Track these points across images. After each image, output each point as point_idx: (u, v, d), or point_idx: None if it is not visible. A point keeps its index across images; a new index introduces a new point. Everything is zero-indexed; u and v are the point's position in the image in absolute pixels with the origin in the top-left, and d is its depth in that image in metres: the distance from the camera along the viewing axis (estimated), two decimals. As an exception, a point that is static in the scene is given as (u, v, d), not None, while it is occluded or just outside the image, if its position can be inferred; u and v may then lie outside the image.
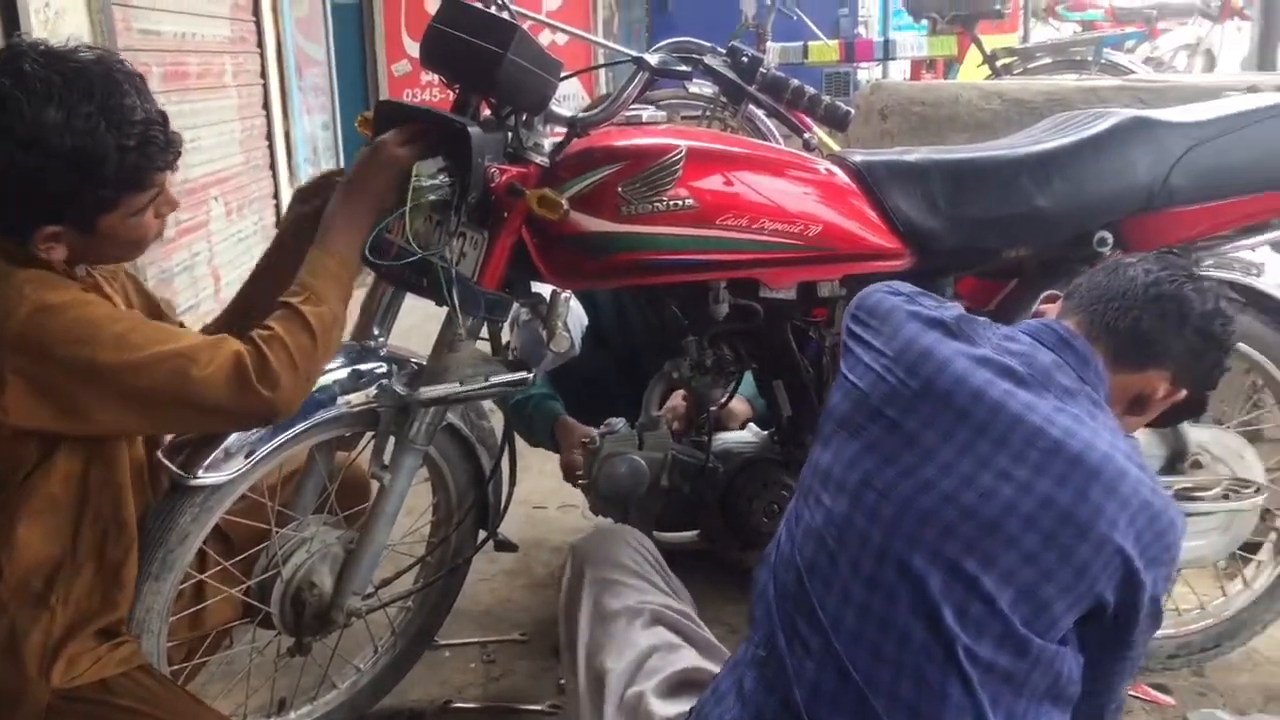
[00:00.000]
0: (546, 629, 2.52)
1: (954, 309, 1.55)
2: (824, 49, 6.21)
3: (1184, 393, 1.54)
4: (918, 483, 1.38)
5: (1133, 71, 6.23)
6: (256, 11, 4.18)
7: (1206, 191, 2.08)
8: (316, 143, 5.13)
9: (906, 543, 1.36)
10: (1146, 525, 1.35)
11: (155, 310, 1.82)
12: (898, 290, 1.60)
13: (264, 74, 4.23)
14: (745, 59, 1.99)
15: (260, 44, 4.21)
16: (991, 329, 1.52)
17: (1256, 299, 2.22)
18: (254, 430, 1.75)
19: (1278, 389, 2.27)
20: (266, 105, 4.25)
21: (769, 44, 6.32)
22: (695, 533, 2.39)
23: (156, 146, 1.57)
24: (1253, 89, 2.72)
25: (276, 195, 4.29)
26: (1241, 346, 2.21)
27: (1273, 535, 2.39)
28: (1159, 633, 2.27)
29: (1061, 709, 1.38)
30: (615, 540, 1.88)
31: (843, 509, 1.42)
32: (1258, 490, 2.23)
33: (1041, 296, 1.68)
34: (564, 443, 2.48)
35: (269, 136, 4.26)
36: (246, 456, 1.75)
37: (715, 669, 1.59)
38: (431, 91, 6.09)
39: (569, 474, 2.48)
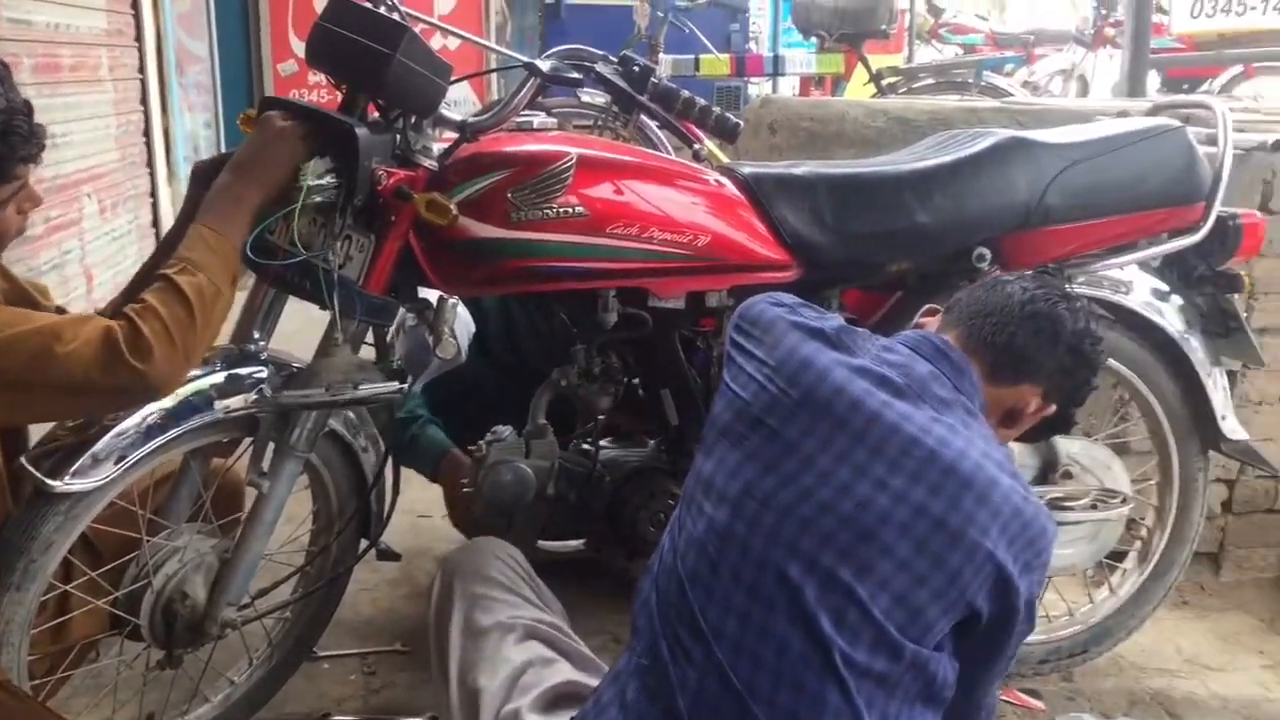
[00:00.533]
0: (429, 640, 2.48)
1: (834, 320, 1.58)
2: (715, 62, 6.28)
3: (1054, 408, 1.59)
4: (797, 491, 1.40)
5: (1011, 94, 6.43)
6: (136, 5, 4.05)
7: (1079, 211, 2.16)
8: (198, 141, 4.99)
9: (785, 551, 1.37)
10: (1019, 532, 1.38)
11: (25, 297, 1.74)
12: (780, 301, 1.62)
13: (142, 69, 4.10)
14: (637, 69, 2.00)
15: (139, 38, 4.08)
16: (871, 340, 1.56)
17: (1125, 316, 2.30)
18: (125, 435, 1.69)
19: (1143, 403, 2.36)
20: (145, 101, 4.11)
21: (661, 55, 6.37)
22: (582, 541, 2.39)
23: (19, 137, 1.50)
24: (1123, 114, 2.84)
25: (154, 193, 4.16)
26: (1110, 362, 2.29)
27: (1137, 544, 2.48)
28: (1031, 639, 2.34)
29: (934, 710, 1.41)
30: (484, 554, 1.86)
31: (724, 518, 1.43)
32: (1124, 500, 2.31)
33: (921, 310, 1.72)
34: (450, 479, 2.44)
35: (147, 133, 4.13)
36: (116, 462, 1.69)
37: (591, 682, 1.58)
38: (320, 93, 5.97)
39: (453, 510, 2.45)
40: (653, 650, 1.44)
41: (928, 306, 1.71)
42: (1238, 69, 8.12)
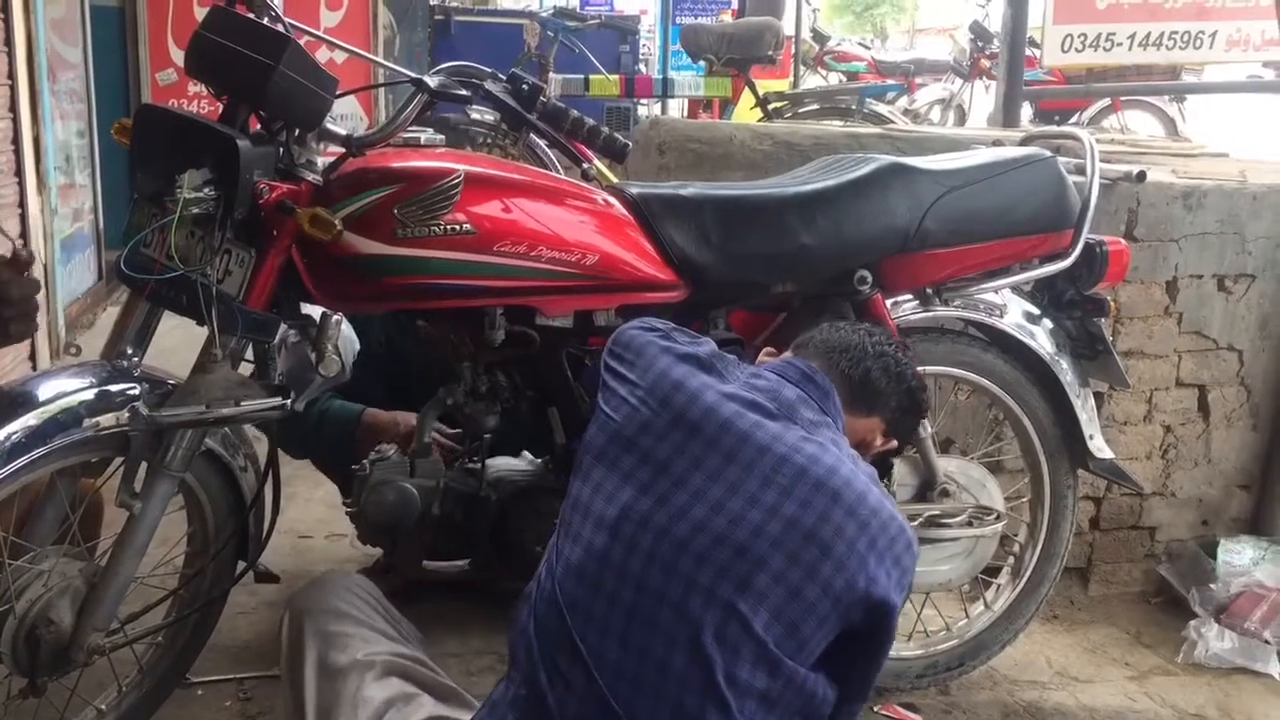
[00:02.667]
0: (282, 682, 2.42)
1: (707, 345, 1.63)
2: (605, 83, 6.31)
3: (894, 443, 1.71)
4: (671, 511, 1.42)
5: (892, 121, 6.60)
6: (5, 8, 3.90)
7: (957, 236, 2.22)
8: (70, 150, 4.82)
9: (663, 571, 1.38)
10: (887, 546, 1.43)
11: None
12: (653, 326, 1.66)
13: (12, 75, 3.95)
14: (526, 87, 1.99)
15: (9, 42, 3.92)
16: (740, 367, 1.62)
17: (999, 338, 2.38)
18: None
19: (1016, 423, 2.43)
20: (14, 108, 3.96)
21: (551, 75, 6.37)
22: (467, 562, 2.36)
23: None
24: (997, 143, 2.93)
25: (22, 203, 4.00)
26: (985, 383, 2.36)
27: (1010, 560, 2.55)
28: (909, 653, 2.40)
29: None
30: (335, 588, 1.80)
31: (602, 542, 1.44)
32: (998, 517, 2.38)
33: (762, 351, 1.79)
34: (374, 440, 2.32)
35: (16, 141, 3.97)
36: (-24, 483, 1.62)
37: (457, 715, 1.56)
38: (200, 103, 5.82)
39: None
40: (531, 680, 1.43)
41: (766, 349, 1.79)
42: (1106, 102, 8.49)
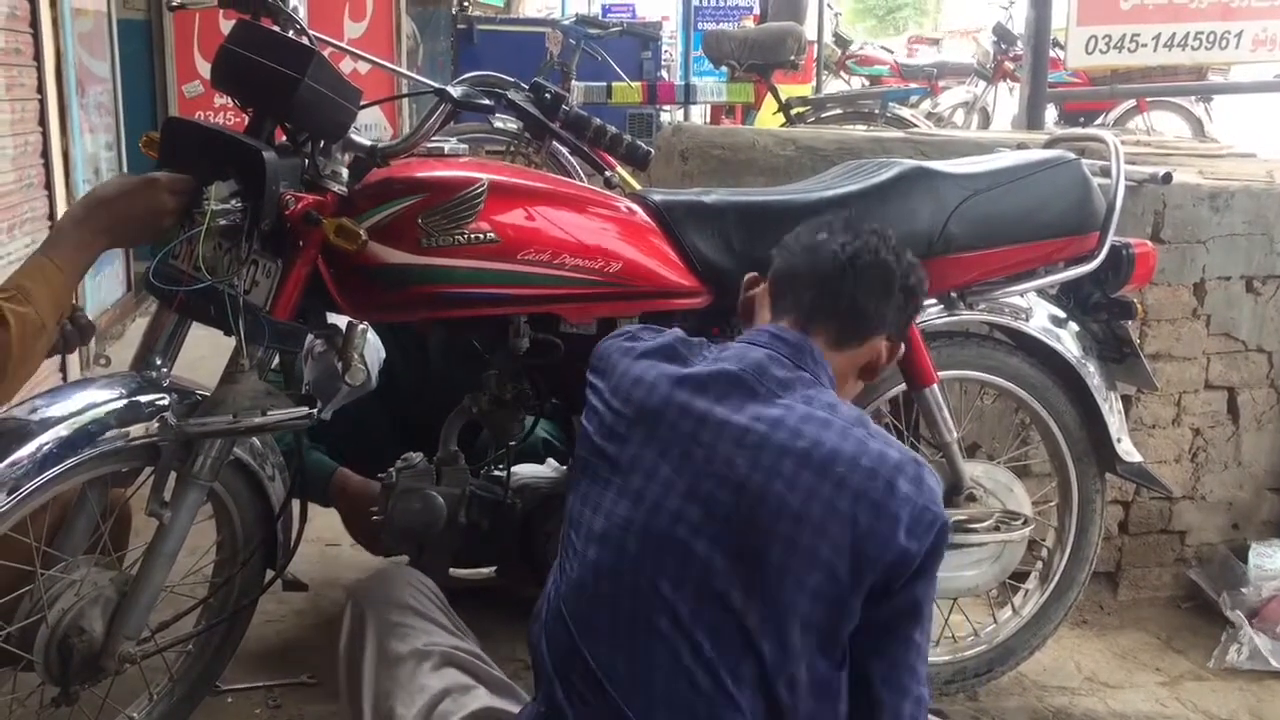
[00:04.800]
0: (337, 670, 2.43)
1: (671, 334, 1.61)
2: (627, 90, 6.33)
3: (901, 346, 1.65)
4: (647, 507, 1.41)
5: (915, 125, 6.58)
6: (35, 23, 3.95)
7: (980, 239, 2.21)
8: (99, 163, 4.87)
9: (651, 571, 1.38)
10: (878, 494, 1.36)
11: None
12: (621, 333, 1.66)
13: (41, 89, 3.99)
14: (548, 95, 2.00)
15: (38, 57, 3.97)
16: (708, 347, 1.58)
17: (1025, 342, 2.37)
18: (18, 465, 1.63)
19: (1043, 426, 2.42)
20: (43, 122, 4.00)
21: (574, 83, 6.39)
22: (493, 569, 2.37)
23: None
24: (1021, 146, 2.92)
25: (52, 216, 4.04)
26: (1012, 387, 2.35)
27: (1039, 565, 2.54)
28: (937, 659, 2.39)
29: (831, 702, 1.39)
30: (396, 581, 1.83)
31: (594, 554, 1.44)
32: (1026, 522, 2.36)
33: (745, 280, 1.74)
34: (342, 498, 2.40)
35: (45, 155, 4.02)
36: (9, 493, 1.63)
37: (510, 708, 1.57)
38: (226, 115, 5.87)
39: (352, 526, 2.41)
40: (550, 698, 1.44)
41: (750, 275, 1.73)
42: (1131, 103, 8.43)
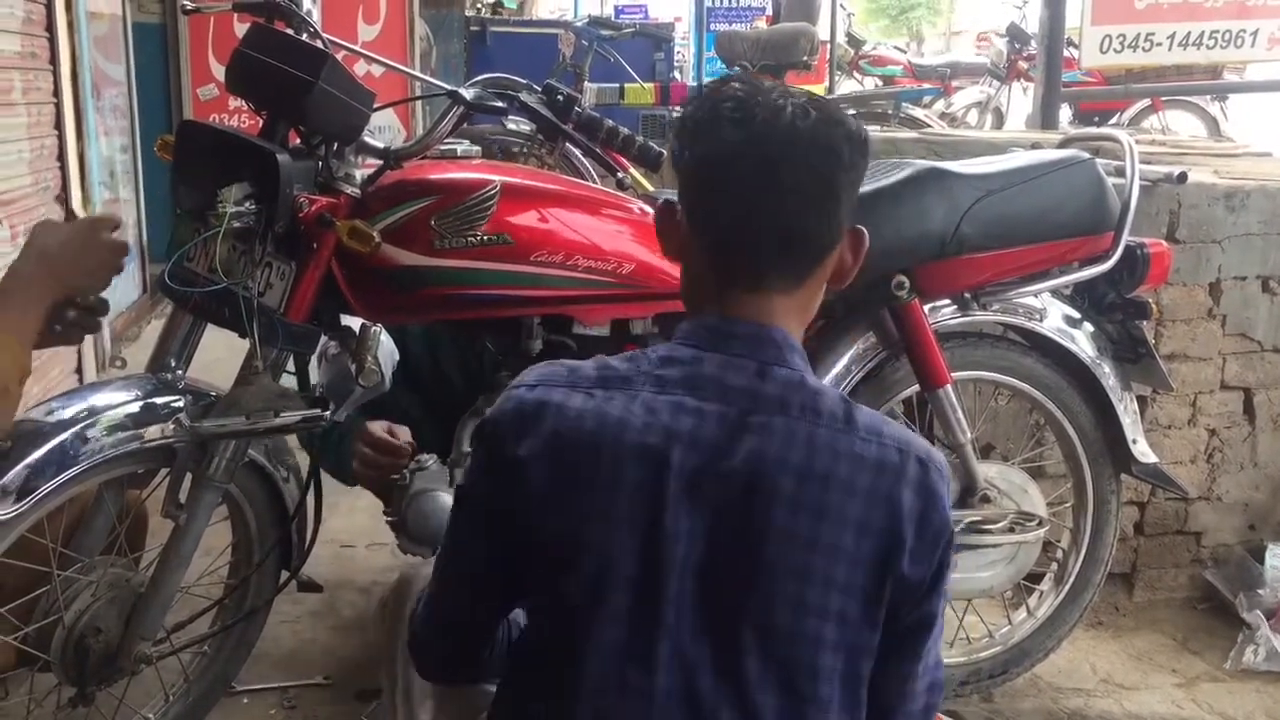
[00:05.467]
0: (351, 672, 2.45)
1: (595, 361, 1.33)
2: (640, 91, 6.34)
3: (864, 232, 1.34)
4: None
5: (929, 125, 6.57)
6: (51, 27, 3.97)
7: (995, 240, 2.20)
8: (114, 166, 4.89)
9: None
10: (866, 482, 1.22)
11: None
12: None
13: (57, 92, 4.01)
14: (561, 97, 2.01)
15: (54, 61, 3.99)
16: (644, 359, 1.29)
17: (1039, 342, 2.36)
18: (36, 467, 1.64)
19: (1058, 427, 2.41)
20: (59, 125, 4.02)
21: (587, 84, 6.39)
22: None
23: None
24: (1035, 145, 2.91)
25: (69, 218, 4.08)
26: (1025, 387, 2.34)
27: (1054, 566, 2.53)
28: (951, 660, 2.38)
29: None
30: (415, 587, 1.79)
31: None
32: (1040, 523, 2.36)
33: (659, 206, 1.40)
34: (361, 444, 2.29)
35: (61, 158, 4.04)
36: (25, 496, 1.64)
37: None
38: (240, 117, 5.89)
39: (369, 472, 2.31)
40: None
41: (663, 204, 1.37)
42: (1145, 103, 8.41)
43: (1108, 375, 2.37)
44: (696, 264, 1.34)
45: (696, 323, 1.31)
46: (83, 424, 1.71)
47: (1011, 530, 2.33)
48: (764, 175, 1.25)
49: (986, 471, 2.34)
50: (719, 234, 1.29)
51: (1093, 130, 5.58)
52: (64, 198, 4.08)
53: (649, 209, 2.08)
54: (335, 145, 1.83)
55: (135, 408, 1.78)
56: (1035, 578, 2.50)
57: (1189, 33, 4.70)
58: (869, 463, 1.22)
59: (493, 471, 1.27)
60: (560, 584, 1.23)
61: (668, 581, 1.19)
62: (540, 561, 1.25)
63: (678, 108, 7.83)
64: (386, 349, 1.98)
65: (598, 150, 2.08)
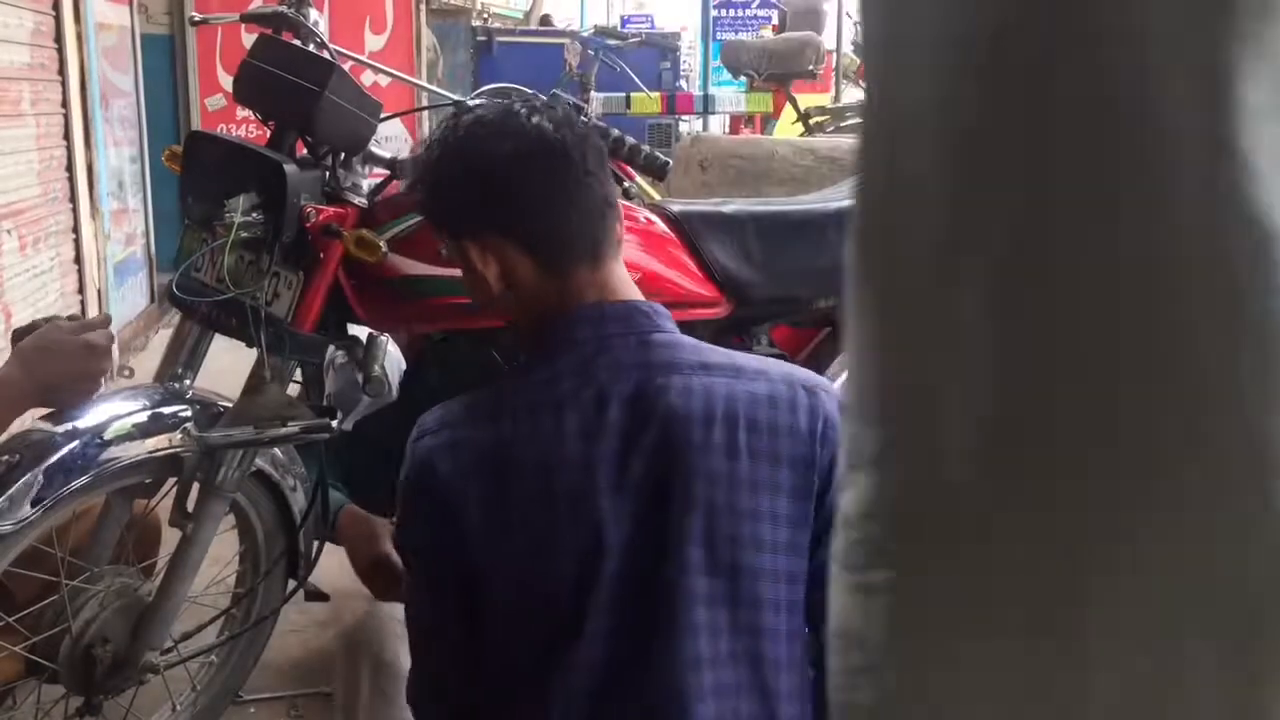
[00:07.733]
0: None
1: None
2: (646, 100, 6.35)
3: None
4: None
5: (935, 134, 6.56)
6: (59, 39, 4.00)
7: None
8: (123, 176, 4.92)
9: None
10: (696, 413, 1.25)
11: None
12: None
13: (66, 103, 4.04)
14: (567, 107, 2.01)
15: (62, 71, 4.02)
16: (533, 373, 1.33)
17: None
18: (44, 476, 1.65)
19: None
20: (68, 136, 4.05)
21: (593, 93, 6.42)
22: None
23: None
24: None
25: (76, 229, 4.09)
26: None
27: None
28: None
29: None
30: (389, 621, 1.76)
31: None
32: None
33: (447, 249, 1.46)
34: (351, 537, 2.22)
35: (69, 168, 4.07)
36: (33, 505, 1.65)
37: None
38: (248, 127, 5.92)
39: (367, 581, 2.25)
40: None
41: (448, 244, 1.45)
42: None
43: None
44: (526, 277, 1.36)
45: (562, 324, 1.32)
46: (91, 434, 1.72)
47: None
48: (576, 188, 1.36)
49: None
50: (567, 256, 1.35)
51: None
52: (73, 208, 4.10)
53: (655, 217, 2.09)
54: (342, 155, 1.84)
55: (143, 417, 1.78)
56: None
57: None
58: (762, 399, 1.27)
59: (430, 522, 1.30)
60: (513, 621, 1.27)
61: (602, 588, 1.22)
62: (492, 601, 1.28)
63: (684, 117, 7.87)
64: (394, 359, 1.99)
65: (604, 159, 2.08)
